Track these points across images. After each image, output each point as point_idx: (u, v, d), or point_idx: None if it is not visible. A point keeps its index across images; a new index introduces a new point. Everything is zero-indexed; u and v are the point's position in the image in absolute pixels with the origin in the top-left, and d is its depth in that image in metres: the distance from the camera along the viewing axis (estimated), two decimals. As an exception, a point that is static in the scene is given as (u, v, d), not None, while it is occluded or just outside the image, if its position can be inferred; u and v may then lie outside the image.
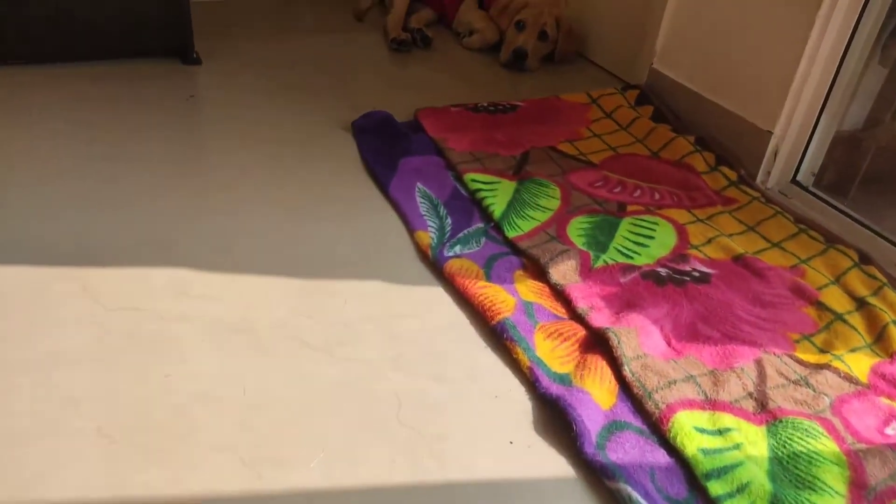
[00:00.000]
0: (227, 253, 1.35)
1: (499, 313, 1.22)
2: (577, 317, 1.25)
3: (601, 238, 1.48)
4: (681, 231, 1.53)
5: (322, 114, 1.93)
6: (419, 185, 1.62)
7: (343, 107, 1.98)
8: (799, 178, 1.76)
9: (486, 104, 2.01)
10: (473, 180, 1.63)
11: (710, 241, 1.51)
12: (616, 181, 1.71)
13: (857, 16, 1.58)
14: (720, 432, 1.04)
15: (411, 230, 1.47)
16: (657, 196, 1.66)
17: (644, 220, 1.55)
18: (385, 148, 1.76)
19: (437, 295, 1.30)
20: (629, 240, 1.48)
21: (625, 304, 1.29)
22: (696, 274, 1.39)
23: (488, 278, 1.33)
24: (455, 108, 1.97)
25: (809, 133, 1.71)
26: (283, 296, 1.26)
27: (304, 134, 1.82)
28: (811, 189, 1.74)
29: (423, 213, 1.52)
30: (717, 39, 1.89)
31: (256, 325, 1.19)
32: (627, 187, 1.69)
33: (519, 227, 1.48)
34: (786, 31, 1.68)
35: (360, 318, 1.23)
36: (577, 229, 1.50)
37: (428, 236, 1.44)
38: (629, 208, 1.60)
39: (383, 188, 1.60)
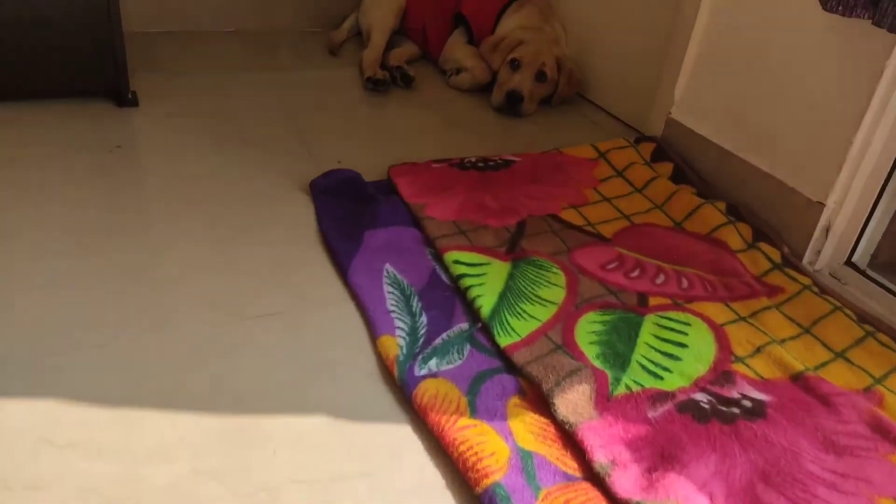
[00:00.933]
0: (116, 371, 1.00)
1: (486, 475, 0.88)
2: (594, 476, 0.91)
3: (620, 347, 1.14)
4: (720, 335, 1.20)
5: (277, 169, 1.60)
6: (388, 266, 1.28)
7: (303, 160, 1.65)
8: (855, 258, 1.44)
9: (474, 159, 1.68)
10: (457, 262, 1.30)
11: (758, 350, 1.18)
12: (633, 262, 1.38)
13: (934, 66, 1.27)
14: None
15: (374, 334, 1.13)
16: (685, 283, 1.33)
17: (672, 319, 1.22)
18: (349, 216, 1.42)
19: (403, 438, 0.96)
20: (655, 349, 1.15)
21: (658, 454, 0.95)
22: (748, 403, 1.05)
23: (473, 412, 0.99)
24: (437, 165, 1.64)
25: (870, 207, 1.39)
26: (187, 443, 0.91)
27: (250, 197, 1.48)
28: (868, 273, 1.42)
29: (391, 307, 1.18)
30: (753, 86, 1.58)
31: (143, 495, 0.84)
32: (648, 270, 1.36)
33: (514, 331, 1.15)
34: (846, 79, 1.37)
35: (289, 478, 0.88)
36: (588, 333, 1.17)
37: (395, 344, 1.10)
38: (652, 301, 1.27)
39: (342, 270, 1.27)
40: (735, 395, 1.07)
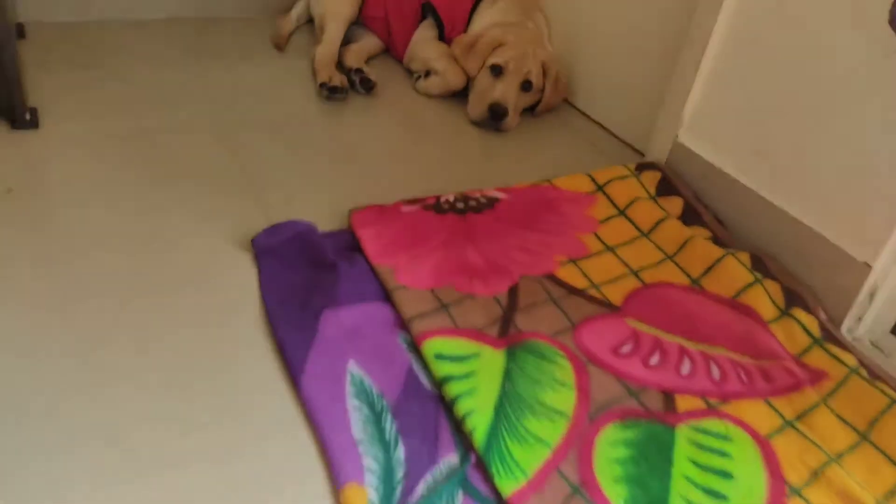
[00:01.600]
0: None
1: None
2: None
3: (653, 485, 0.90)
4: (767, 454, 0.97)
5: (209, 216, 1.30)
6: (353, 365, 1.01)
7: (244, 201, 1.35)
8: (901, 326, 1.23)
9: (452, 198, 1.40)
10: (439, 356, 1.03)
11: (815, 475, 0.95)
12: (651, 341, 1.14)
13: None
14: None
15: (336, 481, 0.86)
16: (716, 373, 1.10)
17: (710, 433, 0.99)
18: (301, 289, 1.14)
19: None
20: (696, 484, 0.91)
21: None
22: (818, 568, 0.83)
23: None
24: (408, 208, 1.36)
25: (927, 271, 1.17)
26: None
27: (169, 261, 1.18)
28: (917, 341, 1.21)
29: (358, 435, 0.91)
30: (785, 115, 1.33)
31: None
32: (670, 355, 1.12)
33: (518, 467, 0.89)
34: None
35: None
36: (610, 462, 0.92)
37: (364, 498, 0.83)
38: (680, 402, 1.04)
39: (293, 374, 0.99)
40: (800, 554, 0.85)
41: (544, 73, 1.82)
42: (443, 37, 1.95)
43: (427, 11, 1.96)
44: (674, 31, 1.59)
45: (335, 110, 1.76)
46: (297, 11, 2.12)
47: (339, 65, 1.91)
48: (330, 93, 1.76)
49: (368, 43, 2.04)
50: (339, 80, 1.78)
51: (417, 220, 1.33)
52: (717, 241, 1.39)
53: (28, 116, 1.46)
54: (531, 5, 1.95)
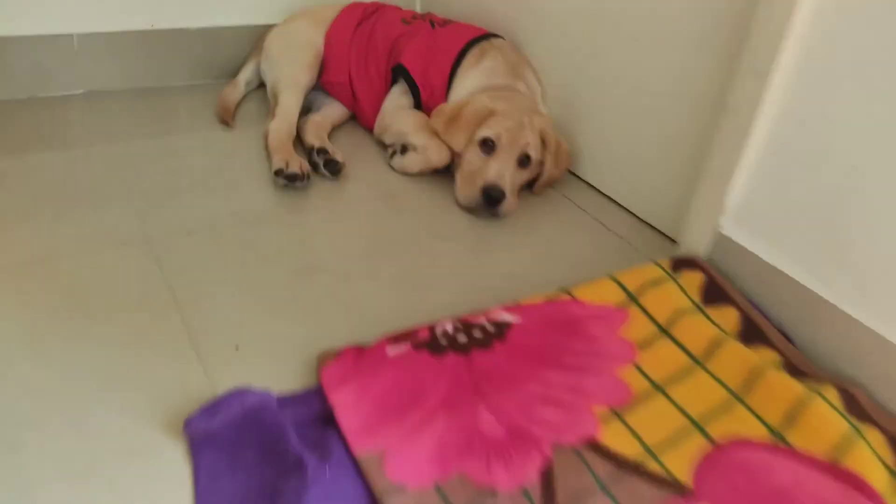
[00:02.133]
0: None
1: None
2: None
3: None
4: None
5: (128, 379, 0.96)
6: None
7: (174, 354, 1.01)
8: None
9: (450, 328, 1.08)
10: None
11: None
12: (743, 545, 0.83)
13: None
14: None
15: None
16: None
17: None
18: (254, 497, 0.80)
19: None
20: None
21: None
22: None
23: None
24: (395, 350, 1.03)
25: None
26: None
27: (80, 451, 0.84)
28: None
29: None
30: (876, 206, 1.05)
31: None
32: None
33: None
34: None
35: None
36: None
37: None
38: None
39: None
40: None
41: (543, 144, 1.52)
42: (419, 103, 1.65)
43: (398, 74, 1.66)
44: (702, 92, 1.31)
45: (295, 201, 1.44)
46: (245, 76, 1.81)
47: (299, 140, 1.59)
48: (287, 181, 1.44)
49: (331, 112, 1.73)
50: (297, 164, 1.46)
51: (409, 368, 1.00)
52: (790, 367, 1.09)
53: None
54: (519, 63, 1.66)
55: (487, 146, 1.47)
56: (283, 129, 1.56)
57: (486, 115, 1.48)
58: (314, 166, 1.51)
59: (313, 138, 1.57)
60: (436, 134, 1.54)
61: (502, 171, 1.44)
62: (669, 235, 1.45)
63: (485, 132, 1.46)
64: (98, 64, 1.73)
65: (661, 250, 1.42)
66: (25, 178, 1.38)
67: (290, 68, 1.69)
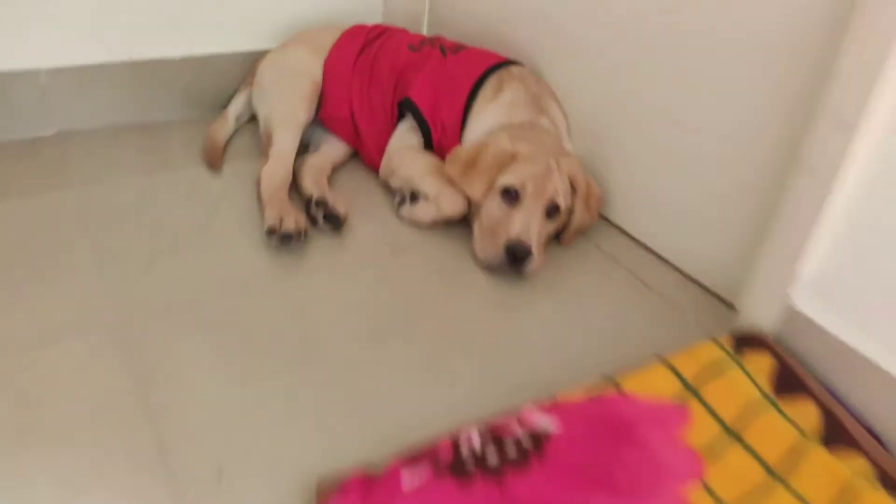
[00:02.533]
0: None
1: None
2: None
3: None
4: None
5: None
6: None
7: (149, 475, 0.83)
8: None
9: (477, 443, 0.89)
10: None
11: None
12: None
13: None
14: None
15: None
16: None
17: None
18: None
19: None
20: None
21: None
22: None
23: None
24: (412, 476, 0.85)
25: None
26: None
27: None
28: None
29: None
30: None
31: None
32: None
33: None
34: None
35: None
36: None
37: None
38: None
39: None
40: None
41: (572, 189, 1.33)
42: (429, 143, 1.46)
43: (406, 109, 1.47)
44: (773, 141, 1.12)
45: (290, 262, 1.25)
46: (235, 109, 1.62)
47: (295, 185, 1.40)
48: (281, 241, 1.25)
49: (331, 151, 1.54)
50: (293, 221, 1.27)
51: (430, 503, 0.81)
52: (885, 479, 0.91)
53: None
54: (542, 94, 1.47)
55: (510, 195, 1.28)
56: (278, 174, 1.37)
57: (508, 160, 1.29)
58: (312, 220, 1.33)
59: (311, 185, 1.38)
60: (450, 180, 1.35)
61: (528, 224, 1.25)
62: (725, 298, 1.27)
63: (507, 180, 1.28)
64: (70, 101, 1.54)
65: (715, 316, 1.23)
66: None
67: (286, 103, 1.50)
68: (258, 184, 1.38)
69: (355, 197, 1.45)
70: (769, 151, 1.12)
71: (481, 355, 1.10)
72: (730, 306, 1.24)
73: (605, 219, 1.49)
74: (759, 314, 1.11)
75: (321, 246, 1.30)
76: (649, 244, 1.41)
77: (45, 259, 1.18)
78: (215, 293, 1.15)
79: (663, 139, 1.31)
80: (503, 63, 1.49)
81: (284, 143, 1.43)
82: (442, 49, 1.52)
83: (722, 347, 1.08)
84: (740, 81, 1.15)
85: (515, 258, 1.24)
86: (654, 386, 1.02)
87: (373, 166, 1.54)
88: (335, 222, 1.32)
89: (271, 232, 1.25)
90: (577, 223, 1.36)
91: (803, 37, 1.04)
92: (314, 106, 1.52)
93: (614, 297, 1.27)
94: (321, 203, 1.33)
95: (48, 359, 0.98)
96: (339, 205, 1.33)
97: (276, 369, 1.02)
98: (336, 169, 1.54)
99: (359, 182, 1.53)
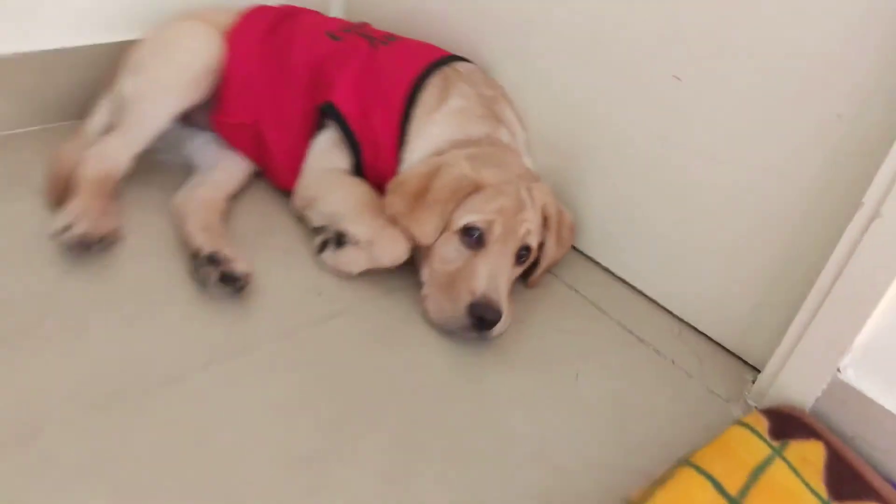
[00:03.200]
0: None
1: None
2: None
3: None
4: None
5: None
6: None
7: None
8: None
9: None
10: None
11: None
12: None
13: None
14: None
15: None
16: None
17: None
18: None
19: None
20: None
21: None
22: None
23: None
24: None
25: None
26: None
27: None
28: None
29: None
30: None
31: None
32: None
33: None
34: None
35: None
36: None
37: None
38: None
39: None
40: None
41: (544, 222, 1.07)
42: (359, 163, 1.14)
43: (328, 117, 1.14)
44: (817, 173, 0.90)
45: (177, 353, 0.91)
46: (96, 123, 1.22)
47: (177, 229, 1.06)
48: (77, 247, 0.96)
49: (225, 179, 1.19)
50: (93, 220, 0.98)
51: None
52: None
53: None
54: (495, 98, 1.19)
55: (472, 237, 1.00)
56: (111, 160, 1.07)
57: (469, 190, 1.01)
58: (201, 282, 0.99)
59: (198, 232, 1.03)
60: (388, 218, 1.04)
61: (496, 276, 0.98)
62: (734, 351, 1.05)
63: (469, 217, 0.99)
64: None
65: (723, 374, 1.02)
66: None
67: (160, 76, 1.14)
68: (77, 164, 1.04)
69: (261, 234, 1.12)
70: (806, 190, 0.90)
71: (450, 459, 0.83)
72: (746, 363, 1.03)
73: (579, 252, 1.24)
74: (797, 385, 0.90)
75: (215, 318, 0.96)
76: (632, 282, 1.17)
77: None
78: (74, 409, 0.80)
79: (655, 157, 1.07)
80: (445, 58, 1.20)
81: (142, 122, 1.11)
82: (370, 39, 1.20)
83: (758, 435, 0.85)
84: (778, 105, 0.91)
85: (482, 322, 0.96)
86: (687, 500, 0.77)
87: (283, 188, 1.22)
88: (235, 285, 0.98)
89: (63, 231, 0.95)
90: (548, 262, 1.10)
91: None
92: (201, 94, 1.16)
93: (604, 358, 1.03)
94: (214, 258, 0.98)
95: None
96: (238, 262, 0.99)
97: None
98: (234, 198, 1.20)
99: (263, 209, 1.20)
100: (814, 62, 0.86)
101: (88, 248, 0.97)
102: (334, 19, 1.30)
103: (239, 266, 0.98)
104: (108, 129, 1.17)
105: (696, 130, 1.01)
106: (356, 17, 1.43)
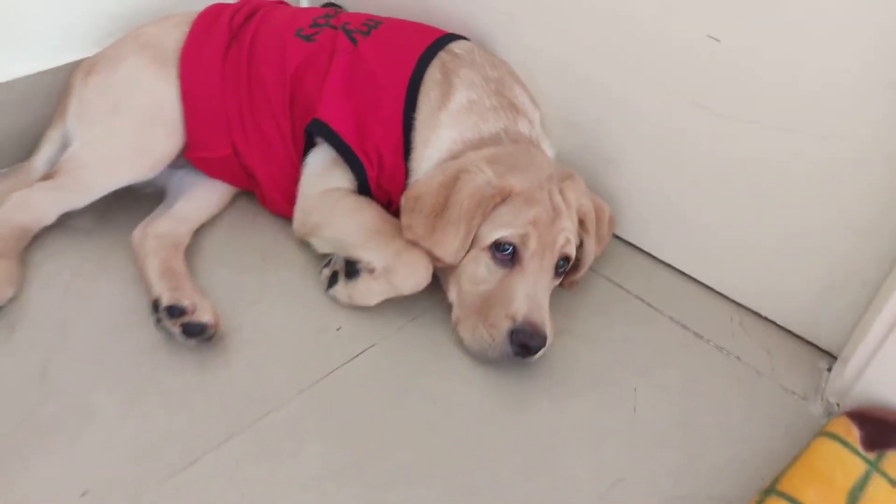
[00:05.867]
0: None
1: None
2: None
3: None
4: None
5: None
6: None
7: None
8: None
9: None
10: None
11: None
12: None
13: None
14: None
15: None
16: None
17: None
18: None
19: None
20: None
21: None
22: None
23: None
24: None
25: None
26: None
27: None
28: None
29: None
30: None
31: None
32: None
33: None
34: None
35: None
36: None
37: None
38: None
39: None
40: None
41: (580, 225, 1.00)
42: (363, 180, 1.05)
43: (318, 135, 1.05)
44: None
45: (186, 429, 0.85)
46: (43, 157, 1.12)
47: (141, 277, 0.98)
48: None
49: (191, 209, 1.11)
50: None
51: None
52: None
53: None
54: (504, 79, 1.09)
55: (504, 254, 0.93)
56: (41, 210, 1.01)
57: (496, 200, 0.93)
58: (165, 334, 0.92)
59: (158, 281, 0.95)
60: (405, 239, 0.97)
61: (536, 295, 0.91)
62: (810, 340, 1.00)
63: (500, 232, 0.92)
64: None
65: (801, 369, 0.97)
66: None
67: (112, 145, 1.06)
68: None
69: (260, 268, 1.05)
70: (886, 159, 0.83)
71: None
72: (823, 351, 0.99)
73: (619, 239, 1.17)
74: (890, 381, 0.84)
75: (225, 385, 0.89)
76: (680, 266, 1.11)
77: None
78: None
79: (692, 127, 0.99)
80: (438, 41, 1.09)
81: (84, 189, 1.04)
82: (347, 33, 1.09)
83: (849, 447, 0.81)
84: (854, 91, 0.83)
85: (527, 349, 0.90)
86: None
87: (276, 212, 1.14)
88: (201, 336, 0.91)
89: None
90: (588, 263, 1.03)
91: None
92: (158, 162, 1.07)
93: (660, 365, 0.97)
94: (175, 310, 0.91)
95: None
96: (202, 310, 0.92)
97: None
98: (205, 227, 1.12)
99: (263, 236, 1.12)
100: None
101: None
102: (302, 10, 1.18)
103: (203, 316, 0.91)
104: (51, 172, 1.08)
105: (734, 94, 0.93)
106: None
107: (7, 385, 0.86)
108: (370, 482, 0.80)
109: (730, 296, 1.07)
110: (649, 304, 1.06)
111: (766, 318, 1.04)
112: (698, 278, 1.10)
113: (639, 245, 1.16)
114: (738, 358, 0.99)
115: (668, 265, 1.12)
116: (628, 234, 1.16)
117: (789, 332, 1.02)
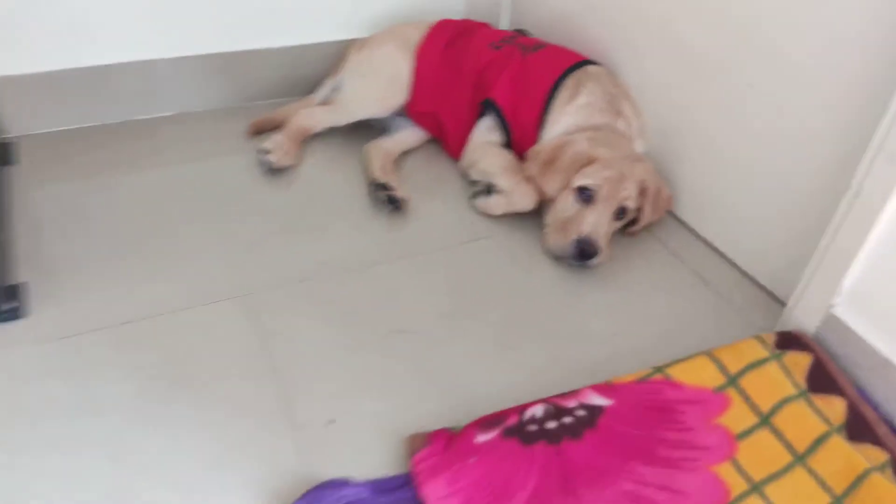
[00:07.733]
0: None
1: None
2: None
3: None
4: None
5: (217, 461, 1.08)
6: None
7: (267, 428, 1.13)
8: None
9: (540, 413, 1.16)
10: None
11: None
12: None
13: None
14: None
15: None
16: None
17: None
18: None
19: None
20: None
21: None
22: None
23: None
24: (485, 438, 1.11)
25: None
26: None
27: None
28: None
29: None
30: None
31: None
32: None
33: None
34: None
35: None
36: None
37: None
38: None
39: None
40: None
41: (641, 193, 1.56)
42: (509, 141, 1.70)
43: (488, 109, 1.71)
44: (832, 159, 1.32)
45: (380, 246, 1.53)
46: (320, 96, 1.90)
47: (366, 167, 1.71)
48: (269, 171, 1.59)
49: (403, 138, 1.83)
50: (283, 154, 1.70)
51: (497, 458, 1.09)
52: (899, 469, 1.12)
53: (10, 308, 1.26)
54: (618, 95, 1.68)
55: (585, 195, 1.51)
56: (315, 119, 1.79)
57: (586, 162, 1.52)
58: (374, 199, 1.64)
59: (377, 169, 1.67)
60: (525, 178, 1.59)
61: (598, 224, 1.49)
62: (777, 295, 1.48)
63: (583, 180, 1.51)
64: (186, 87, 1.86)
65: (765, 313, 1.45)
66: (113, 210, 1.52)
67: (368, 91, 1.81)
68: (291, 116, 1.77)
69: (433, 181, 1.73)
70: (826, 168, 1.32)
71: (546, 339, 1.36)
72: (779, 302, 1.46)
73: (673, 216, 1.71)
74: (804, 317, 1.33)
75: (403, 234, 1.57)
76: (711, 240, 1.62)
77: (168, 230, 1.50)
78: (320, 273, 1.44)
79: (733, 145, 1.51)
80: (580, 63, 1.71)
81: (347, 113, 1.79)
82: (521, 48, 1.74)
83: (765, 345, 1.30)
84: (808, 102, 1.34)
85: (584, 254, 1.48)
86: (698, 376, 1.25)
87: (454, 157, 1.81)
88: (395, 205, 1.60)
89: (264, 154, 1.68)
90: (644, 221, 1.59)
91: (864, 73, 1.23)
92: (389, 107, 1.81)
93: (673, 292, 1.50)
94: (383, 186, 1.62)
95: (188, 323, 1.30)
96: (400, 189, 1.63)
97: (372, 341, 1.30)
98: (407, 154, 1.82)
99: (439, 168, 1.80)
100: None
101: (271, 171, 1.65)
102: (498, 31, 1.85)
103: (399, 193, 1.61)
104: (325, 102, 1.86)
105: (758, 120, 1.44)
106: (518, 26, 1.99)
107: (270, 207, 1.61)
108: (465, 300, 1.42)
109: (735, 261, 1.56)
110: (680, 258, 1.59)
111: (753, 279, 1.52)
112: (721, 249, 1.60)
113: (691, 226, 1.68)
114: (723, 296, 1.48)
115: (706, 241, 1.64)
116: (685, 216, 1.69)
117: (769, 291, 1.50)
